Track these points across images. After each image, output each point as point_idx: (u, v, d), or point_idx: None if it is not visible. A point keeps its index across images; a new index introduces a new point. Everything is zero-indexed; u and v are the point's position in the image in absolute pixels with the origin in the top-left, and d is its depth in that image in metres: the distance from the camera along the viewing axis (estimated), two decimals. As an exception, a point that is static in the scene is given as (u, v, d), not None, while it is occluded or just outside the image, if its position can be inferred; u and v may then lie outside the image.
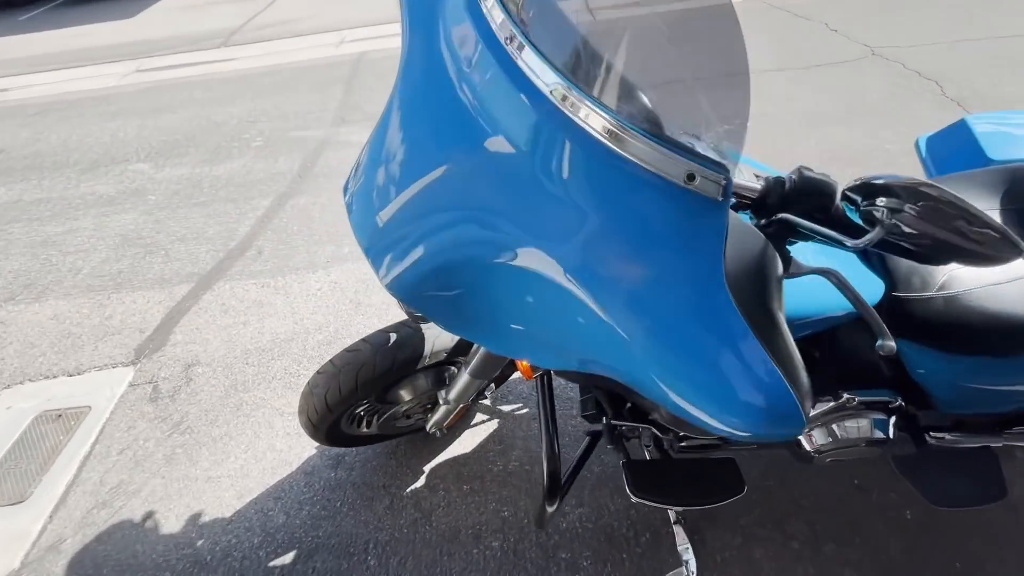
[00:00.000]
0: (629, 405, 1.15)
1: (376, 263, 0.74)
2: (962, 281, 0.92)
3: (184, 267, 2.32)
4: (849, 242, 0.48)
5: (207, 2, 6.78)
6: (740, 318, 0.48)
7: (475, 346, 1.07)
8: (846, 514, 1.31)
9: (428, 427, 1.35)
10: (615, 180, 0.51)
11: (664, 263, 0.50)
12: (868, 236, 0.47)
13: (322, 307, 2.04)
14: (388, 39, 4.42)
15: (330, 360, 1.17)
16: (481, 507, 1.41)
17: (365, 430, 1.37)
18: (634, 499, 1.10)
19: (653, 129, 0.50)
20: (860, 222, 0.52)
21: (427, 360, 1.15)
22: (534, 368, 1.03)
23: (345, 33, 4.65)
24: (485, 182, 0.60)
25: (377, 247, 0.74)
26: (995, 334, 0.90)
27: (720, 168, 0.47)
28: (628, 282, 0.51)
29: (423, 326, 1.17)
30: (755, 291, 0.55)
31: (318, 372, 1.18)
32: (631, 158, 0.49)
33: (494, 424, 1.60)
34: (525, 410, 1.63)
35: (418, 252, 0.69)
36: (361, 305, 2.03)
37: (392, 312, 1.97)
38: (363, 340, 1.16)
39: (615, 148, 0.50)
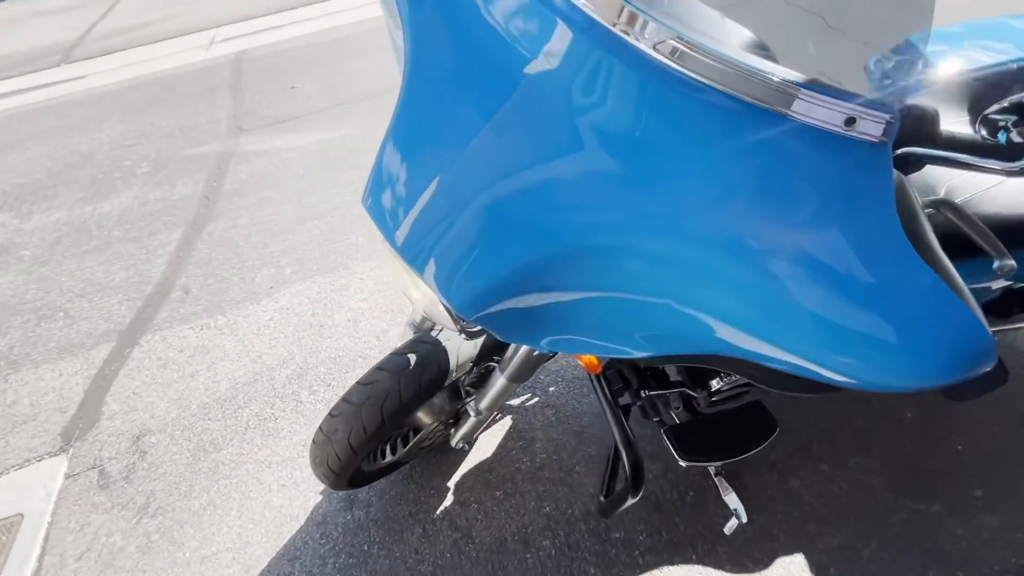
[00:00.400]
0: (648, 373, 1.13)
1: (442, 285, 0.63)
2: None
3: (95, 326, 1.98)
4: (1000, 165, 0.46)
5: (28, 14, 5.77)
6: (924, 265, 0.45)
7: (510, 349, 0.98)
8: (857, 427, 1.40)
9: (454, 442, 1.25)
10: (762, 138, 0.44)
11: (831, 221, 0.45)
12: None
13: (280, 338, 1.83)
14: (266, 33, 4.01)
15: (342, 399, 1.03)
16: (520, 509, 1.35)
17: (385, 461, 1.25)
18: (684, 464, 1.09)
19: (802, 73, 0.44)
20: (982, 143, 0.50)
21: (454, 374, 1.05)
22: (601, 360, 0.96)
23: (214, 32, 4.15)
24: (587, 162, 0.52)
25: (436, 263, 0.63)
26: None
27: (883, 106, 0.43)
28: (790, 251, 0.46)
29: (441, 337, 1.06)
30: (909, 228, 0.52)
31: (331, 416, 1.03)
32: (784, 112, 0.43)
33: (507, 421, 1.53)
34: (535, 399, 1.57)
35: (494, 258, 0.59)
36: (324, 327, 1.85)
37: (362, 326, 1.81)
38: (378, 369, 1.03)
39: (768, 106, 0.44)
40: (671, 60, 0.46)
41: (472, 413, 1.11)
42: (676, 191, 0.48)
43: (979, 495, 1.26)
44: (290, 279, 2.03)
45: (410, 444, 1.21)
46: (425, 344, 1.05)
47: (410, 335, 1.20)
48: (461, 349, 1.05)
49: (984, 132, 0.53)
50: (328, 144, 2.63)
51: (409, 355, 1.03)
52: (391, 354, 1.05)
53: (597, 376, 1.03)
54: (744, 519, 1.17)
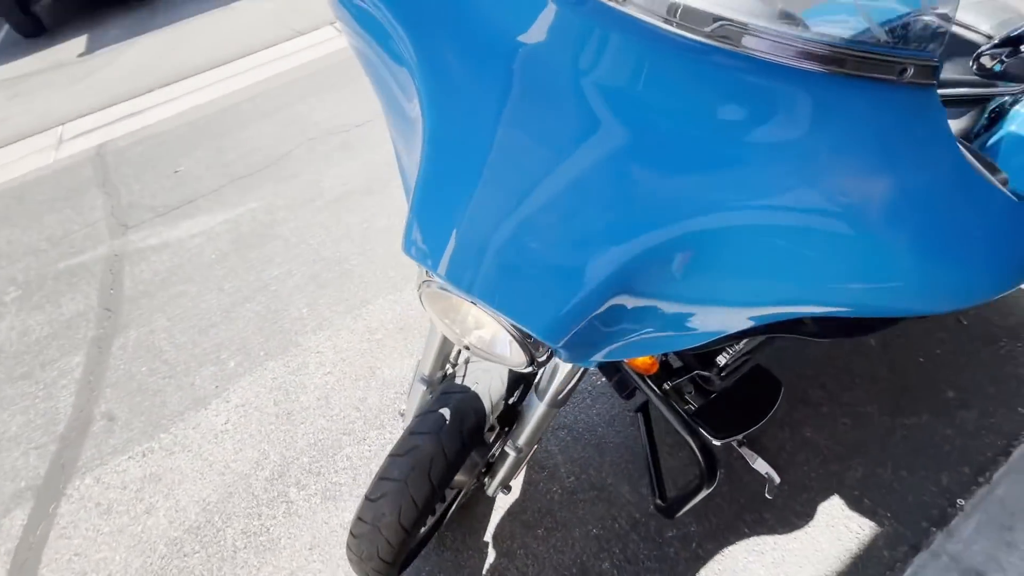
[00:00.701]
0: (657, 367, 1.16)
1: (519, 314, 0.59)
2: None
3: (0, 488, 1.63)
4: (1009, 88, 0.53)
5: None
6: (989, 184, 0.50)
7: (544, 373, 0.95)
8: (838, 366, 1.53)
9: (491, 490, 1.17)
10: (825, 101, 0.47)
11: (908, 165, 0.49)
12: None
13: (245, 439, 1.63)
14: (125, 122, 3.65)
15: (379, 479, 0.93)
16: (567, 540, 1.29)
17: (422, 532, 1.14)
18: (718, 443, 1.11)
19: (852, 31, 0.48)
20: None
21: (491, 417, 0.99)
22: (657, 358, 0.95)
23: (60, 130, 3.70)
24: (659, 157, 0.52)
25: (508, 292, 0.59)
26: None
27: (927, 53, 0.47)
28: (879, 200, 0.49)
29: (468, 382, 1.00)
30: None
31: (370, 500, 0.92)
32: (839, 72, 0.46)
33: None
34: (544, 425, 1.53)
35: (574, 271, 0.57)
36: (293, 414, 1.67)
37: (336, 401, 1.66)
38: (412, 434, 0.94)
39: (822, 69, 0.46)
40: (719, 41, 0.47)
41: (511, 452, 1.05)
42: (763, 164, 0.50)
43: (952, 396, 1.42)
44: (236, 373, 1.82)
45: (451, 505, 1.11)
46: (453, 394, 0.98)
47: (421, 391, 1.12)
48: (491, 389, 1.00)
49: (976, 70, 0.61)
50: (236, 222, 2.43)
51: (440, 411, 0.95)
52: (420, 416, 0.97)
53: (641, 376, 1.03)
54: (777, 479, 1.21)
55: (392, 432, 1.56)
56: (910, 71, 0.47)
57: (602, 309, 0.59)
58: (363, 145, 2.72)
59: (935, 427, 1.36)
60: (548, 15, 0.53)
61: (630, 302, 0.61)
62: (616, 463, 1.41)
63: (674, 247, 0.56)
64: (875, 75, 0.47)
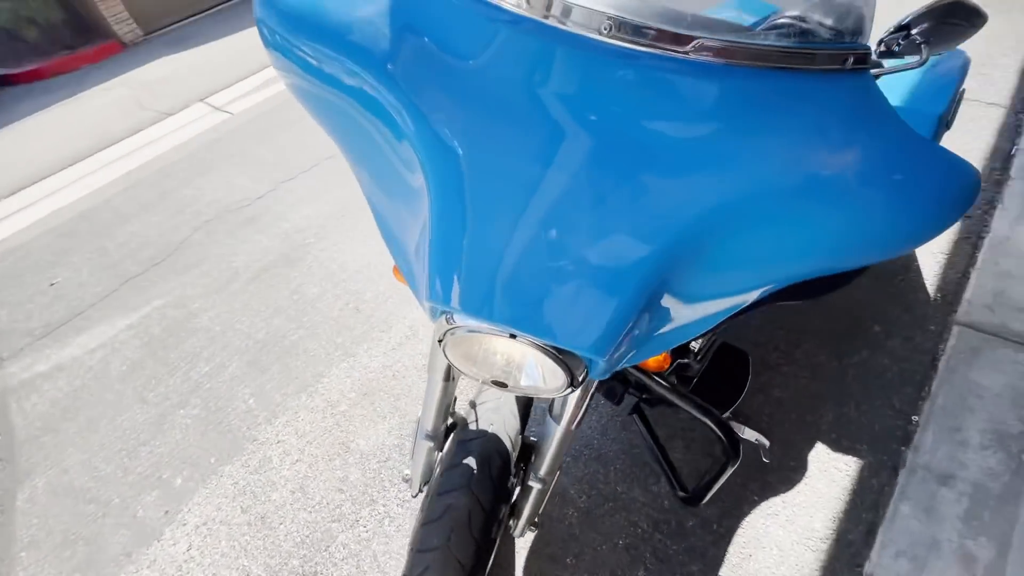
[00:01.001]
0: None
1: (565, 335, 0.60)
2: None
3: None
4: (911, 62, 0.64)
5: None
6: (928, 140, 0.60)
7: (561, 399, 0.95)
8: (787, 328, 1.68)
9: (518, 531, 1.13)
10: (786, 92, 0.55)
11: (867, 139, 0.57)
12: (926, 51, 0.63)
13: (217, 562, 1.43)
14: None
15: (415, 552, 0.86)
16: (598, 560, 1.28)
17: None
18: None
19: (800, 32, 0.56)
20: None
21: (514, 452, 0.96)
22: (672, 353, 0.99)
23: None
24: (654, 165, 0.57)
25: (549, 316, 0.60)
26: None
27: (860, 45, 0.56)
28: (853, 172, 0.57)
29: (482, 424, 0.97)
30: None
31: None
32: (792, 67, 0.54)
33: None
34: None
35: (610, 283, 0.59)
36: (267, 517, 1.51)
37: (313, 488, 1.53)
38: (441, 495, 0.89)
39: (780, 66, 0.54)
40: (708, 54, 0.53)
41: (535, 484, 1.03)
42: (751, 153, 0.56)
43: (878, 330, 1.62)
44: (187, 489, 1.61)
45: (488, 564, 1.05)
46: (471, 441, 0.94)
47: (426, 448, 1.07)
48: (507, 426, 0.98)
49: (879, 54, 0.73)
50: (143, 325, 2.17)
51: (464, 462, 0.91)
52: (443, 473, 0.92)
53: (646, 375, 1.06)
54: (767, 443, 1.30)
55: (387, 505, 1.46)
56: (851, 60, 0.56)
57: (639, 312, 0.62)
58: (270, 216, 2.58)
59: (874, 359, 1.54)
60: (512, 44, 0.58)
61: (661, 299, 0.64)
62: (621, 470, 1.42)
63: (693, 237, 0.60)
64: (825, 67, 0.56)
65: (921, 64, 0.65)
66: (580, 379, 0.69)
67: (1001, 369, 1.45)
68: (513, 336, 0.62)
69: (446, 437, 1.05)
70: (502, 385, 0.71)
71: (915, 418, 1.40)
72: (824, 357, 1.58)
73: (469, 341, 0.68)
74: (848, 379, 1.51)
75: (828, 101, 0.57)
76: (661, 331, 0.71)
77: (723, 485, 1.18)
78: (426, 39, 0.62)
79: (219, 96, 3.83)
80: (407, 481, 1.20)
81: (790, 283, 0.73)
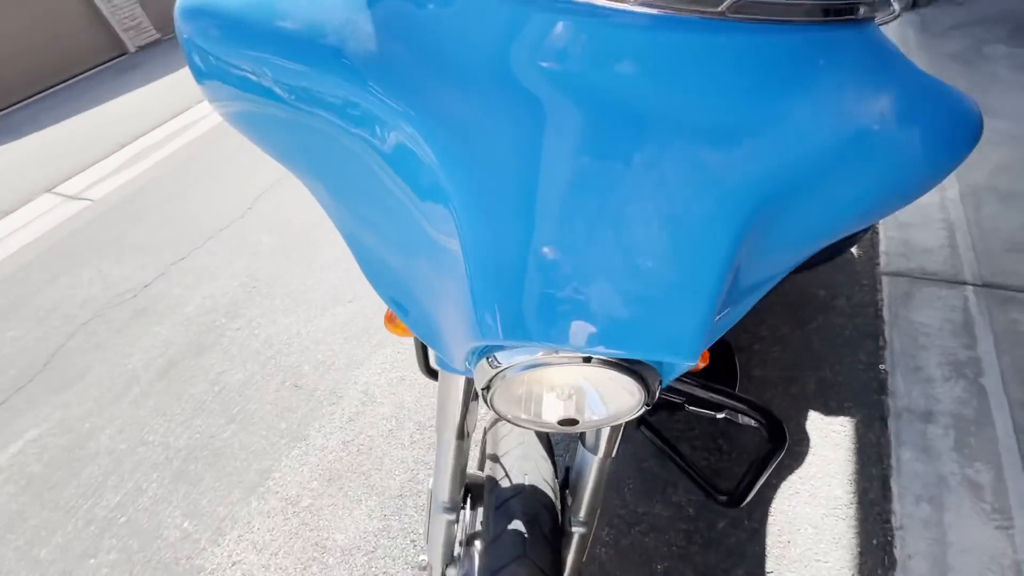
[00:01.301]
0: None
1: (660, 345, 0.51)
2: None
3: None
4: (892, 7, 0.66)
5: None
6: (935, 78, 0.60)
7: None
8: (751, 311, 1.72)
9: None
10: (805, 47, 0.53)
11: (883, 86, 0.57)
12: (897, 5, 0.65)
13: None
14: None
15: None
16: (642, 594, 1.17)
17: None
18: (720, 416, 1.15)
19: None
20: None
21: (557, 500, 0.84)
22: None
23: None
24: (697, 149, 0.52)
25: (638, 325, 0.50)
26: None
27: None
28: (875, 122, 0.56)
29: (513, 478, 0.84)
30: None
31: None
32: (808, 20, 0.53)
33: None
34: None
35: (699, 275, 0.52)
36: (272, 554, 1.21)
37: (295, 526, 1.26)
38: (498, 573, 0.74)
39: (794, 19, 0.52)
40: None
41: (578, 529, 0.91)
42: (793, 114, 0.53)
43: (824, 294, 1.71)
44: (202, 538, 1.26)
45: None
46: (510, 500, 0.81)
47: (444, 523, 0.91)
48: (543, 472, 0.85)
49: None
50: (18, 463, 1.72)
51: (511, 527, 0.77)
52: (490, 546, 0.77)
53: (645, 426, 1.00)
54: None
55: (389, 602, 1.24)
56: (862, 10, 0.56)
57: (721, 300, 0.55)
58: (165, 303, 2.23)
59: (830, 322, 1.63)
60: (533, 24, 0.51)
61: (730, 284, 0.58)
62: (636, 490, 1.34)
63: (754, 209, 0.55)
64: (857, 17, 0.54)
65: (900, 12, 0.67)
66: (656, 391, 0.61)
67: (933, 306, 1.59)
68: (587, 359, 0.53)
69: (463, 504, 0.91)
70: (571, 423, 0.60)
71: (882, 367, 1.48)
72: (787, 329, 1.63)
73: (520, 381, 0.57)
74: (815, 345, 1.57)
75: (861, 49, 0.56)
76: (718, 318, 0.65)
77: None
78: (421, 23, 0.52)
79: (71, 183, 3.34)
80: (424, 569, 1.02)
81: (824, 246, 0.71)
